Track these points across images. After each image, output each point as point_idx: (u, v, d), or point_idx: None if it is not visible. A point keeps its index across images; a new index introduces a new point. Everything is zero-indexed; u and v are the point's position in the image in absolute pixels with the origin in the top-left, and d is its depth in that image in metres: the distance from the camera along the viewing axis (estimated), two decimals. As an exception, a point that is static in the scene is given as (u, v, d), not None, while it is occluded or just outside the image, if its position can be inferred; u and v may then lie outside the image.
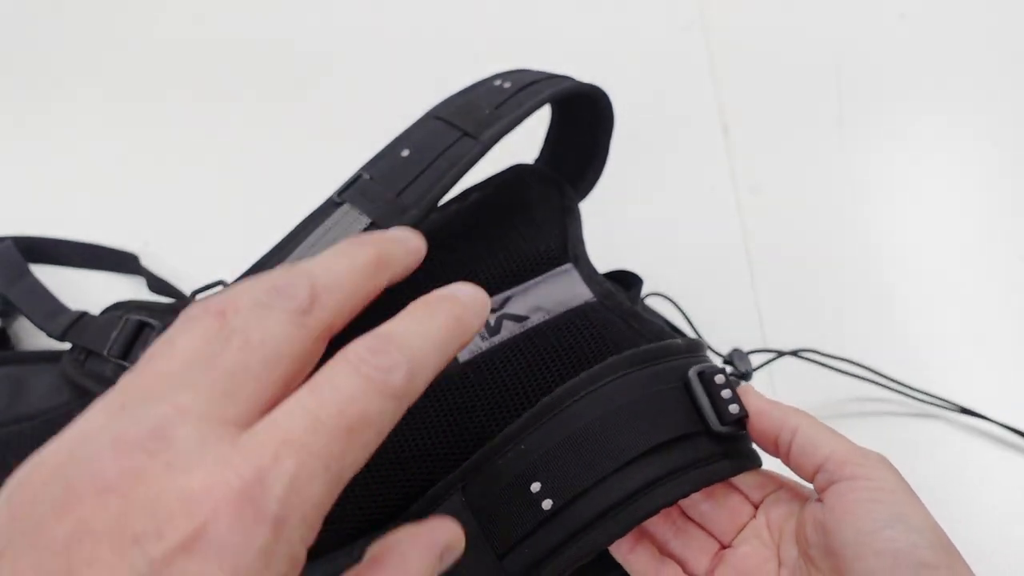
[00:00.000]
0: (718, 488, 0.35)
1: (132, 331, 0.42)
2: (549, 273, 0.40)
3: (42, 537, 0.17)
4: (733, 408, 0.32)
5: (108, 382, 0.41)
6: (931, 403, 0.52)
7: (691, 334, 0.55)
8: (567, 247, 0.41)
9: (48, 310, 0.49)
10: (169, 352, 0.20)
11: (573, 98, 0.44)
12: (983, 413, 0.52)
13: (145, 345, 0.41)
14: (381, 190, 0.38)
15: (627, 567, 0.35)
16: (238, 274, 0.40)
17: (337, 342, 0.21)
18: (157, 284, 0.59)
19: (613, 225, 0.61)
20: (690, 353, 0.35)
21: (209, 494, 0.17)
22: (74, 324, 0.48)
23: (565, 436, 0.31)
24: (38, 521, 0.17)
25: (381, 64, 0.76)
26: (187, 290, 0.58)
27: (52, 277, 0.56)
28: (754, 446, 0.35)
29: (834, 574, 0.29)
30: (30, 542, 0.17)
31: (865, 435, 0.33)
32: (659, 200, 0.65)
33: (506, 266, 0.40)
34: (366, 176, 0.39)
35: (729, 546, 0.34)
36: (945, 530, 0.29)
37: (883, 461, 0.31)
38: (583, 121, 0.47)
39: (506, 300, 0.39)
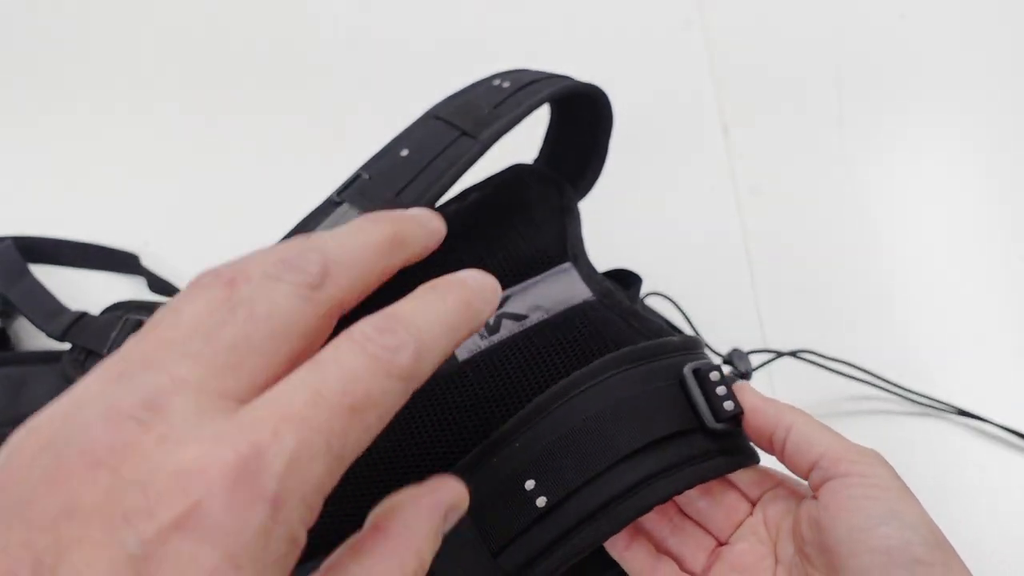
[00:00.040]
0: (715, 485, 0.35)
1: (132, 331, 0.42)
2: (548, 272, 0.40)
3: (31, 512, 0.16)
4: (728, 405, 0.33)
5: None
6: (929, 404, 0.52)
7: (690, 333, 0.55)
8: (566, 246, 0.41)
9: (48, 310, 0.49)
10: (174, 319, 0.20)
11: (572, 98, 0.44)
12: (981, 414, 0.52)
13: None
14: (380, 189, 0.38)
15: (623, 564, 0.35)
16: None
17: (344, 325, 0.20)
18: (158, 284, 0.59)
19: (613, 225, 0.61)
20: (686, 350, 0.35)
21: (203, 470, 0.16)
22: (74, 324, 0.48)
23: (559, 434, 0.32)
24: (28, 494, 0.17)
25: (381, 64, 0.76)
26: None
27: (52, 277, 0.56)
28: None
29: (829, 571, 0.29)
30: (19, 516, 0.17)
31: (863, 436, 0.33)
32: (659, 200, 0.65)
33: (505, 265, 0.40)
34: (365, 176, 0.39)
35: (726, 543, 0.34)
36: (943, 530, 0.29)
37: (878, 458, 0.31)
38: (582, 120, 0.47)
39: (505, 299, 0.39)
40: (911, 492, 0.30)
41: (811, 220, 0.64)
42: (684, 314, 0.55)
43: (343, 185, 0.40)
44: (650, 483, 0.31)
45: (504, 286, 0.39)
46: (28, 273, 0.51)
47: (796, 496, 0.34)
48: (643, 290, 0.54)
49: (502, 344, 0.37)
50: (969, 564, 0.29)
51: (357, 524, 0.21)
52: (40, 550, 0.16)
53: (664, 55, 0.76)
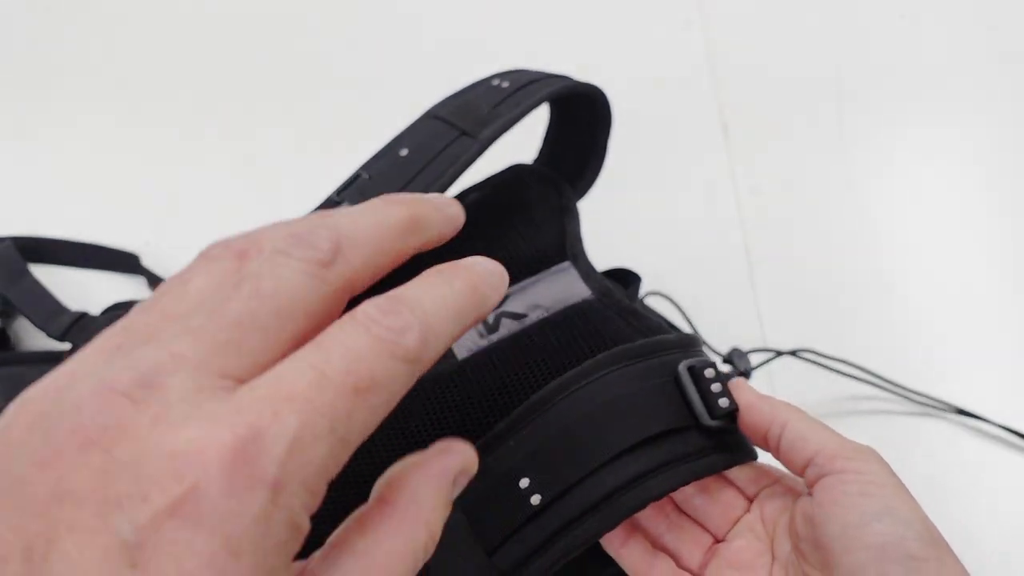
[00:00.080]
0: (712, 482, 0.35)
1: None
2: (547, 271, 0.40)
3: (23, 494, 0.16)
4: (723, 402, 0.33)
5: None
6: (928, 404, 0.52)
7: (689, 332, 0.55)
8: (565, 246, 0.42)
9: (48, 311, 0.49)
10: (180, 291, 0.19)
11: (571, 97, 0.44)
12: (980, 414, 0.52)
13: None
14: (380, 189, 0.38)
15: (620, 561, 0.35)
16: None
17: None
18: (158, 284, 0.59)
19: (613, 224, 0.61)
20: (682, 348, 0.35)
21: (199, 452, 0.16)
22: (74, 324, 0.48)
23: (553, 432, 0.32)
24: (20, 474, 0.16)
25: (380, 64, 0.76)
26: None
27: (52, 277, 0.56)
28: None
29: (824, 567, 0.29)
30: (10, 499, 0.16)
31: (863, 435, 0.33)
32: (659, 200, 0.65)
33: (504, 265, 0.40)
34: (365, 175, 0.39)
35: (723, 540, 0.34)
36: (942, 529, 0.29)
37: (873, 454, 0.31)
38: (581, 120, 0.47)
39: (505, 298, 0.39)
40: (906, 488, 0.30)
41: (811, 220, 0.64)
42: (684, 313, 0.55)
43: (343, 184, 0.40)
44: (644, 480, 0.31)
45: (504, 284, 0.39)
46: (28, 273, 0.51)
47: (793, 493, 0.34)
48: (643, 289, 0.54)
49: (501, 343, 0.37)
50: (968, 563, 0.29)
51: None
52: (31, 536, 0.15)
53: (664, 55, 0.76)
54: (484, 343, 0.37)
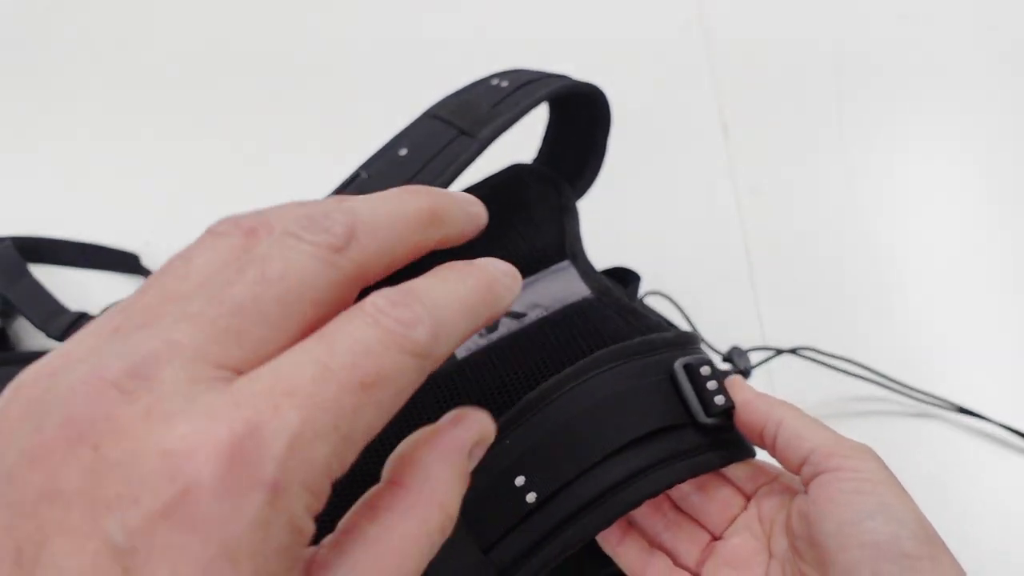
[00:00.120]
0: (709, 480, 0.35)
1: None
2: (547, 270, 0.40)
3: (14, 490, 0.15)
4: (719, 399, 0.33)
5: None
6: (929, 402, 0.52)
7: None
8: (565, 245, 0.42)
9: (48, 311, 0.49)
10: (183, 270, 0.18)
11: (570, 97, 0.44)
12: (981, 412, 0.52)
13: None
14: (379, 188, 0.38)
15: (616, 560, 0.35)
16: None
17: None
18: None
19: (613, 224, 0.61)
20: (679, 346, 0.35)
21: (192, 451, 0.15)
22: (74, 324, 0.48)
23: (548, 430, 0.32)
24: (10, 468, 0.15)
25: (380, 64, 0.76)
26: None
27: (52, 277, 0.56)
28: None
29: (819, 565, 0.29)
30: (1, 495, 0.15)
31: (863, 433, 0.33)
32: (659, 199, 0.65)
33: None
34: (364, 174, 0.39)
35: (720, 538, 0.34)
36: (942, 529, 0.29)
37: (868, 452, 0.31)
38: (581, 120, 0.47)
39: (503, 298, 0.39)
40: (901, 486, 0.30)
41: (811, 219, 0.64)
42: (683, 313, 0.55)
43: (342, 184, 0.40)
44: (639, 478, 0.31)
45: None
46: (28, 273, 0.51)
47: (791, 491, 0.33)
48: (643, 289, 0.54)
49: (500, 342, 0.37)
50: (968, 562, 0.29)
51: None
52: (22, 536, 0.15)
53: (664, 55, 0.76)
54: (483, 342, 0.37)
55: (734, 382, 0.34)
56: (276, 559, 0.15)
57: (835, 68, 0.73)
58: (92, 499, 0.15)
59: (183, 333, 0.16)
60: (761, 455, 0.34)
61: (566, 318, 0.38)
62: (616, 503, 0.30)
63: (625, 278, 0.50)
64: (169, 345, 0.16)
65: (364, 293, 0.19)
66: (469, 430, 0.20)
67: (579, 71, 0.44)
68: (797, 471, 0.32)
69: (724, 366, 0.50)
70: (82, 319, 0.48)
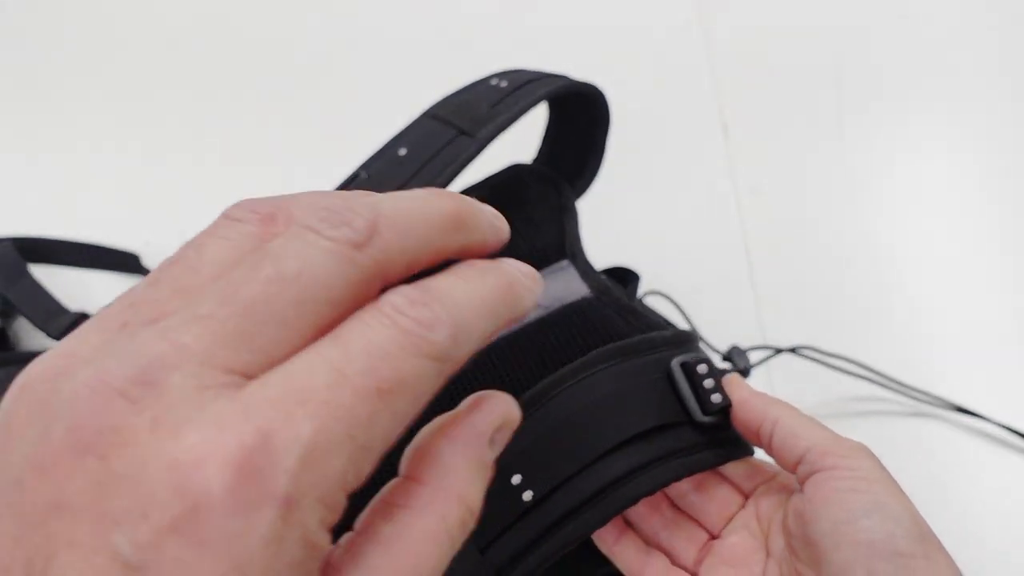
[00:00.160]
0: (707, 478, 0.35)
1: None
2: (546, 270, 0.40)
3: (22, 501, 0.15)
4: (715, 398, 0.33)
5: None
6: (928, 402, 0.52)
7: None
8: (564, 245, 0.42)
9: (48, 311, 0.49)
10: (194, 260, 0.17)
11: (570, 96, 0.44)
12: (980, 412, 0.52)
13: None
14: (378, 188, 0.38)
15: (613, 559, 0.35)
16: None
17: None
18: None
19: (613, 224, 0.61)
20: (677, 344, 0.35)
21: (200, 463, 0.14)
22: (74, 324, 0.48)
23: (545, 429, 0.32)
24: (18, 477, 0.15)
25: (380, 64, 0.76)
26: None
27: (52, 277, 0.56)
28: None
29: (814, 564, 0.29)
30: (10, 504, 0.15)
31: (862, 432, 0.33)
32: (659, 199, 0.65)
33: None
34: (363, 174, 0.39)
35: (718, 537, 0.34)
36: (941, 528, 0.29)
37: (863, 451, 0.31)
38: (580, 119, 0.47)
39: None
40: (897, 485, 0.30)
41: (811, 219, 0.64)
42: (683, 312, 0.55)
43: (341, 184, 0.40)
44: (635, 476, 0.31)
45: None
46: (28, 273, 0.51)
47: (788, 490, 0.33)
48: (643, 289, 0.54)
49: (500, 341, 0.37)
50: (968, 562, 0.29)
51: (342, 524, 0.18)
52: (31, 549, 0.14)
53: (664, 55, 0.76)
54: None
55: (731, 380, 0.34)
56: (289, 574, 0.15)
57: (835, 68, 0.73)
58: (100, 513, 0.14)
59: (192, 335, 0.15)
60: (760, 454, 0.34)
61: (565, 317, 0.38)
62: (612, 501, 0.30)
63: (624, 278, 0.50)
64: (177, 348, 0.15)
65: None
66: (489, 415, 0.19)
67: (579, 71, 0.44)
68: (793, 470, 0.32)
69: (724, 365, 0.50)
70: (82, 319, 0.48)
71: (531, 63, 0.45)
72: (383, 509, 0.18)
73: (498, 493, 0.31)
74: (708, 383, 0.33)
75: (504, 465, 0.31)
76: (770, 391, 0.34)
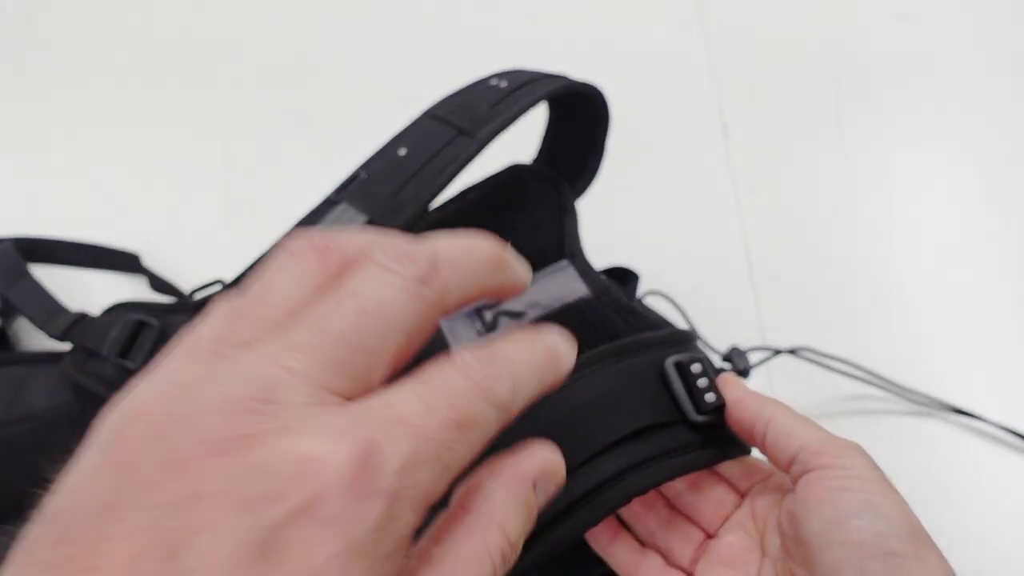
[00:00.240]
0: (703, 478, 0.35)
1: (131, 331, 0.42)
2: (546, 270, 0.40)
3: (152, 498, 0.16)
4: (709, 397, 0.33)
5: (109, 382, 0.41)
6: (926, 403, 0.52)
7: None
8: (564, 245, 0.42)
9: (48, 311, 0.49)
10: (267, 296, 0.20)
11: (570, 96, 0.44)
12: (978, 413, 0.52)
13: (143, 345, 0.41)
14: (378, 188, 0.39)
15: (608, 559, 0.35)
16: (237, 273, 0.40)
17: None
18: (159, 284, 0.59)
19: (613, 224, 0.61)
20: (673, 344, 0.35)
21: (324, 461, 0.16)
22: (74, 324, 0.48)
23: (539, 428, 0.31)
24: (146, 481, 0.17)
25: (380, 64, 0.76)
26: (188, 289, 0.58)
27: (52, 277, 0.56)
28: None
29: (806, 564, 0.29)
30: (139, 502, 0.17)
31: (860, 433, 0.33)
32: (658, 199, 0.65)
33: None
34: (363, 175, 0.39)
35: (714, 536, 0.34)
36: (939, 528, 0.29)
37: (856, 450, 0.31)
38: (580, 119, 0.47)
39: (503, 297, 0.39)
40: (890, 484, 0.30)
41: (810, 219, 0.64)
42: (683, 312, 0.55)
43: (342, 184, 0.40)
44: (628, 475, 0.31)
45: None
46: (28, 273, 0.51)
47: (784, 489, 0.33)
48: (642, 289, 0.54)
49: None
50: (967, 563, 0.29)
51: None
52: (165, 533, 0.16)
53: (664, 55, 0.76)
54: (483, 341, 0.37)
55: (726, 380, 0.34)
56: (384, 564, 0.17)
57: (835, 68, 0.74)
58: (234, 499, 0.16)
59: (296, 361, 0.18)
60: (758, 454, 0.34)
61: (564, 317, 0.38)
62: (605, 500, 0.30)
63: (624, 277, 0.50)
64: (287, 372, 0.18)
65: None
66: (533, 463, 0.21)
67: (578, 71, 0.44)
68: (787, 469, 0.31)
69: (723, 366, 0.50)
70: (82, 319, 0.48)
71: (531, 63, 0.45)
72: (434, 534, 0.20)
73: None
74: (702, 382, 0.33)
75: None
76: (770, 392, 0.34)
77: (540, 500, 0.21)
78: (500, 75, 0.43)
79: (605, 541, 0.35)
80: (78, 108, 0.73)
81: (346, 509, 0.16)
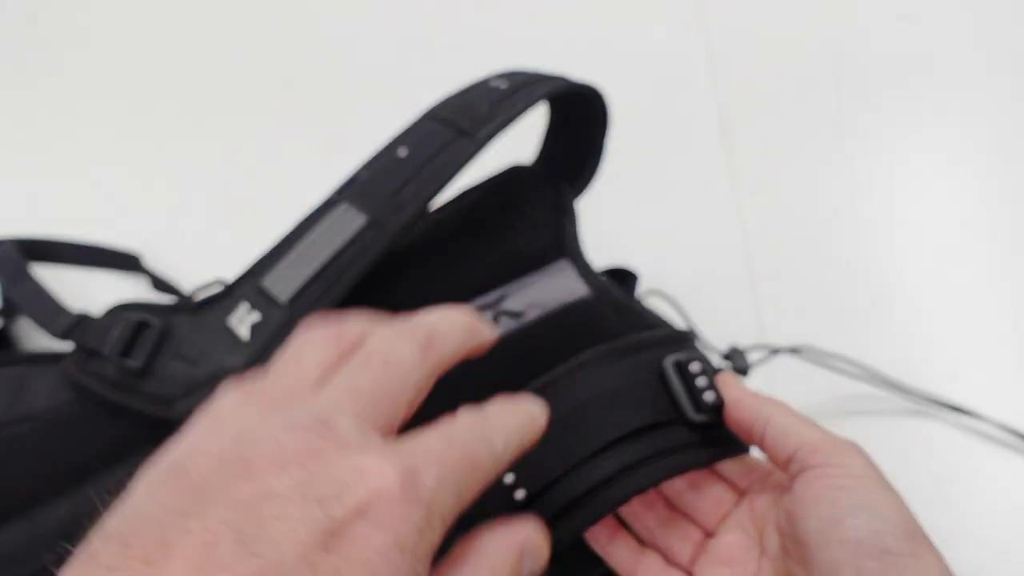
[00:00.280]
0: (702, 477, 0.35)
1: (132, 331, 0.42)
2: (545, 270, 0.40)
3: (226, 498, 0.19)
4: (708, 396, 0.33)
5: (109, 382, 0.41)
6: (927, 402, 0.52)
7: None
8: (563, 245, 0.42)
9: (49, 310, 0.49)
10: (297, 365, 0.24)
11: (569, 97, 0.44)
12: (979, 412, 0.52)
13: (144, 345, 0.41)
14: (378, 189, 0.39)
15: (607, 559, 0.35)
16: (238, 273, 0.41)
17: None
18: (160, 284, 0.59)
19: (612, 224, 0.61)
20: (672, 344, 0.35)
21: (379, 473, 0.20)
22: (76, 324, 0.48)
23: None
24: (219, 487, 0.20)
25: (380, 64, 0.76)
26: (189, 289, 0.58)
27: (54, 277, 0.56)
28: None
29: (803, 563, 0.29)
30: (215, 500, 0.19)
31: (861, 432, 0.33)
32: (658, 199, 0.65)
33: (503, 263, 0.40)
34: (363, 175, 0.40)
35: (713, 535, 0.34)
36: (940, 527, 0.29)
37: (853, 448, 0.30)
38: (580, 120, 0.47)
39: (503, 297, 0.39)
40: (887, 482, 0.29)
41: (810, 219, 0.64)
42: (682, 312, 0.56)
43: (342, 185, 0.40)
44: (626, 474, 0.31)
45: (502, 283, 0.40)
46: (29, 273, 0.51)
47: (783, 488, 0.33)
48: (642, 289, 0.54)
49: (499, 340, 0.37)
50: (967, 562, 0.28)
51: None
52: (240, 523, 0.19)
53: (664, 55, 0.76)
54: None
55: (725, 379, 0.34)
56: (419, 563, 0.20)
57: (835, 68, 0.74)
58: (302, 497, 0.19)
59: (343, 401, 0.22)
60: (758, 453, 0.34)
61: (564, 317, 0.38)
62: (603, 499, 0.31)
63: (623, 278, 0.50)
64: (339, 407, 0.22)
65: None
66: (519, 535, 0.24)
67: (579, 71, 0.44)
68: (785, 468, 0.31)
69: (723, 365, 0.50)
70: (83, 319, 0.48)
71: (531, 63, 0.45)
72: (436, 571, 0.23)
73: (491, 491, 0.31)
74: (701, 381, 0.33)
75: None
76: (770, 391, 0.34)
77: (524, 571, 0.24)
78: (500, 75, 0.43)
79: (604, 540, 0.35)
80: (78, 108, 0.73)
81: (396, 511, 0.20)
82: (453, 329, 0.26)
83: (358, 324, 0.26)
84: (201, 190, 0.67)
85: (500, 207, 0.44)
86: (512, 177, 0.46)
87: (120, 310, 0.44)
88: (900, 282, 0.60)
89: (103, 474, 0.38)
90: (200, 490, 0.20)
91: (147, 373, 0.39)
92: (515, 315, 0.38)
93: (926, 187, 0.66)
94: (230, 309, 0.39)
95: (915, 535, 0.28)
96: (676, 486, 0.35)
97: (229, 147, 0.70)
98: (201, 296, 0.41)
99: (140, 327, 0.41)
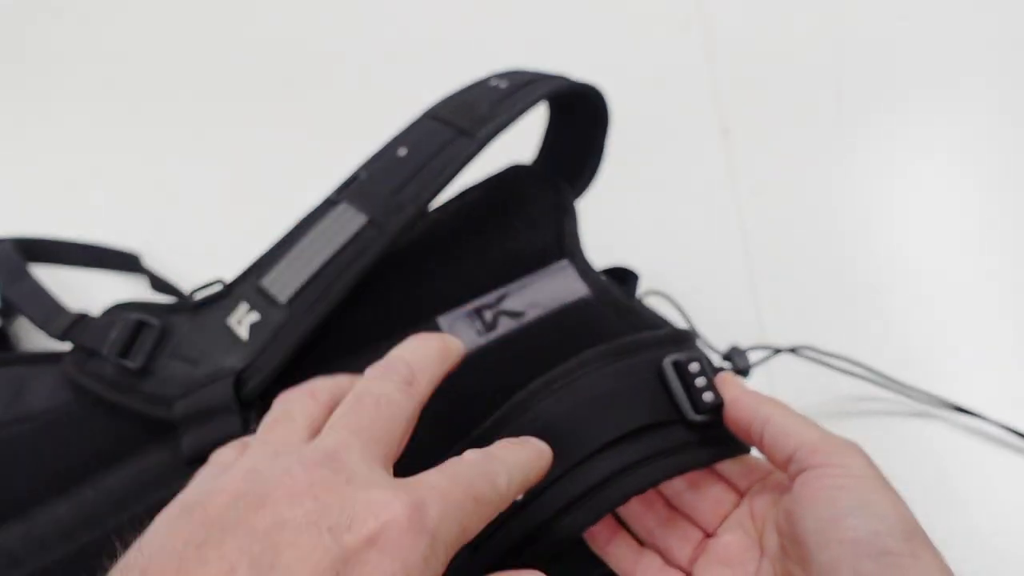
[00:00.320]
0: (702, 477, 0.35)
1: (131, 331, 0.42)
2: (545, 270, 0.40)
3: (243, 528, 0.21)
4: (707, 396, 0.32)
5: (108, 382, 0.41)
6: (927, 402, 0.52)
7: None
8: (563, 244, 0.42)
9: (48, 310, 0.49)
10: (288, 423, 0.27)
11: (569, 97, 0.44)
12: (980, 412, 0.52)
13: (143, 345, 0.41)
14: (378, 189, 0.39)
15: (606, 559, 0.35)
16: (237, 273, 0.40)
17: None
18: (159, 284, 0.59)
19: (613, 224, 0.61)
20: (671, 344, 0.35)
21: (388, 505, 0.22)
22: (75, 324, 0.48)
23: (537, 428, 0.32)
24: (235, 519, 0.21)
25: (379, 64, 0.76)
26: (188, 289, 0.58)
27: (53, 277, 0.56)
28: None
29: (802, 563, 0.29)
30: (231, 531, 0.21)
31: (861, 432, 0.32)
32: (658, 199, 0.65)
33: (503, 263, 0.40)
34: (363, 175, 0.40)
35: (713, 535, 0.34)
36: (940, 527, 0.29)
37: (852, 448, 0.30)
38: (580, 120, 0.47)
39: (503, 297, 0.39)
40: (886, 482, 0.29)
41: (810, 219, 0.64)
42: (682, 312, 0.55)
43: (342, 184, 0.40)
44: (624, 475, 0.31)
45: (502, 283, 0.40)
46: (28, 273, 0.51)
47: (783, 488, 0.33)
48: (642, 289, 0.54)
49: (499, 340, 0.37)
50: (967, 562, 0.28)
51: None
52: (256, 552, 0.20)
53: (664, 55, 0.76)
54: (483, 341, 0.37)
55: (724, 379, 0.34)
56: None
57: (835, 68, 0.74)
58: (315, 526, 0.21)
59: (347, 439, 0.24)
60: (758, 453, 0.34)
61: (564, 317, 0.38)
62: (602, 500, 0.31)
63: (623, 277, 0.50)
64: (345, 445, 0.24)
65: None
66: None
67: (579, 71, 0.44)
68: (784, 468, 0.31)
69: (723, 365, 0.50)
70: (82, 319, 0.48)
71: (531, 63, 0.45)
72: None
73: None
74: (700, 381, 0.33)
75: None
76: (770, 391, 0.34)
77: None
78: (500, 75, 0.43)
79: (603, 540, 0.35)
80: (79, 108, 0.73)
81: (404, 541, 0.21)
82: (428, 358, 0.29)
83: (327, 381, 0.29)
84: (201, 190, 0.67)
85: (500, 207, 0.44)
86: (512, 176, 0.46)
87: (119, 310, 0.44)
88: (900, 282, 0.60)
89: (102, 474, 0.38)
90: (216, 522, 0.21)
91: (146, 373, 0.39)
92: (515, 315, 0.38)
93: (926, 187, 0.66)
94: (229, 309, 0.39)
95: (914, 535, 0.28)
96: (675, 486, 0.35)
97: (229, 147, 0.70)
98: (200, 296, 0.41)
99: (139, 327, 0.41)
